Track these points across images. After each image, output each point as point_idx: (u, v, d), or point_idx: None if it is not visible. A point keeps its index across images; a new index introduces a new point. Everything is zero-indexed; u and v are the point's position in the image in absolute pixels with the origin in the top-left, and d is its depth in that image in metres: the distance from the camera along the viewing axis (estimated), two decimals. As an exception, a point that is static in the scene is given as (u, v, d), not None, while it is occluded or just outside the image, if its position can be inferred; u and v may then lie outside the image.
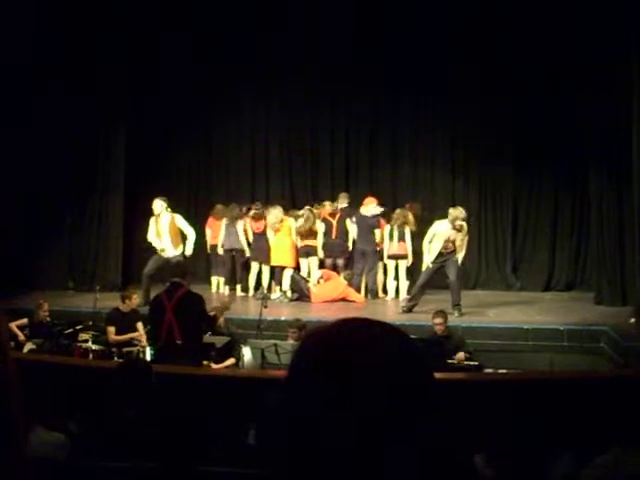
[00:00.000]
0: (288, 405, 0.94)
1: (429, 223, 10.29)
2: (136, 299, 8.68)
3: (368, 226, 11.08)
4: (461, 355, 7.58)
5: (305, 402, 0.91)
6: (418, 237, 10.59)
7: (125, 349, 8.06)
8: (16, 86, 10.64)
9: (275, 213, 11.22)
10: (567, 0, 10.47)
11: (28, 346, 8.19)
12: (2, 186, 10.69)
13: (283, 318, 9.10)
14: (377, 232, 11.08)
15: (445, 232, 9.70)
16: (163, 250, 10.44)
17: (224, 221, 11.46)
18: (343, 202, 11.72)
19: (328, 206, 11.46)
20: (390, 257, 11.09)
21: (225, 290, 11.60)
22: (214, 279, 11.77)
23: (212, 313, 7.27)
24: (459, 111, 12.14)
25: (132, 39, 11.45)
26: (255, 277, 11.46)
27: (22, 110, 10.83)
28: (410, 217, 11.06)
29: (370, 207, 11.16)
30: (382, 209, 11.24)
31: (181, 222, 10.61)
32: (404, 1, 11.45)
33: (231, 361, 7.67)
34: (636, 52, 9.09)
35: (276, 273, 11.32)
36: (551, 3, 10.66)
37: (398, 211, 11.14)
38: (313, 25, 11.51)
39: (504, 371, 7.31)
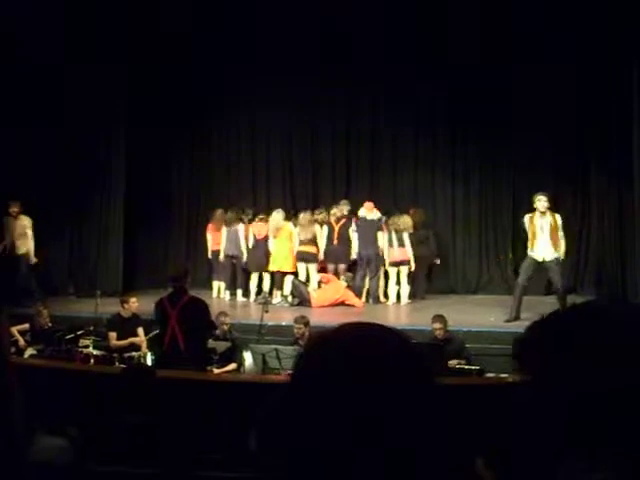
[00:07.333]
0: (290, 409, 0.94)
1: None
2: (134, 303, 8.67)
3: (373, 230, 11.04)
4: (453, 362, 7.55)
5: (307, 406, 0.91)
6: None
7: (126, 354, 8.06)
8: (16, 87, 10.63)
9: (276, 217, 11.23)
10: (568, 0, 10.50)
11: (29, 351, 8.19)
12: (2, 190, 10.67)
13: (284, 323, 9.07)
14: (380, 236, 11.06)
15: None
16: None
17: (225, 227, 11.48)
18: (344, 209, 11.67)
19: (339, 211, 11.34)
20: (392, 264, 11.01)
21: (226, 295, 11.61)
22: (215, 284, 11.78)
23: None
24: (459, 116, 12.13)
25: (132, 39, 11.46)
26: (256, 282, 11.46)
27: (21, 112, 10.82)
28: (409, 222, 11.01)
29: (373, 211, 11.18)
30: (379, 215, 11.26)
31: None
32: (404, 2, 11.47)
33: (233, 366, 7.68)
34: (636, 50, 9.10)
35: (276, 278, 11.33)
36: (551, 3, 10.68)
37: (396, 217, 11.10)
38: (314, 29, 11.53)
39: (506, 375, 7.29)
